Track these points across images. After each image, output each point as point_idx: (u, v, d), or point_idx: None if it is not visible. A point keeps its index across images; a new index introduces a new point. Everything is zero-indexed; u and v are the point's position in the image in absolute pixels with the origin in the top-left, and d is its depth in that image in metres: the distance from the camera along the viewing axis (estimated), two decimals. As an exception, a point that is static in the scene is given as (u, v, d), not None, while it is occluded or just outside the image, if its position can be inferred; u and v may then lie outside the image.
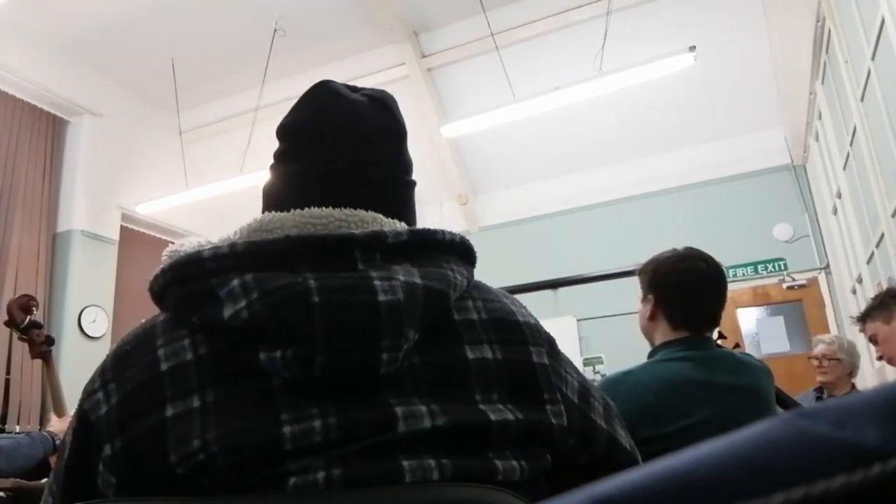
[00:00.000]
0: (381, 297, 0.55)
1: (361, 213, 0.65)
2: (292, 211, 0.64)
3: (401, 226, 0.66)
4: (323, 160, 0.69)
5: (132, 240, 6.12)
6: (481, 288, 0.67)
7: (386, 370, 0.55)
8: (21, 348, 4.86)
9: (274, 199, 0.71)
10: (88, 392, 0.61)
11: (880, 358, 2.37)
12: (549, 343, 0.67)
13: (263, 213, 0.70)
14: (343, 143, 0.70)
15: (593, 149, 5.98)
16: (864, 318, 2.37)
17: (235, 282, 0.55)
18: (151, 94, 6.09)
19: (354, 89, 0.75)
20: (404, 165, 0.74)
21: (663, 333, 1.42)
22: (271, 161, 0.74)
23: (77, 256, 5.33)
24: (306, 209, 0.64)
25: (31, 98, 5.30)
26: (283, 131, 0.74)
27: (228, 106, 6.17)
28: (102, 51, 5.43)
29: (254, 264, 0.56)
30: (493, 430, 0.56)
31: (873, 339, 2.35)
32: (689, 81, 5.11)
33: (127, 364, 0.59)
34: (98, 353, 5.53)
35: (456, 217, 6.59)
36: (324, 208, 0.64)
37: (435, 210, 6.69)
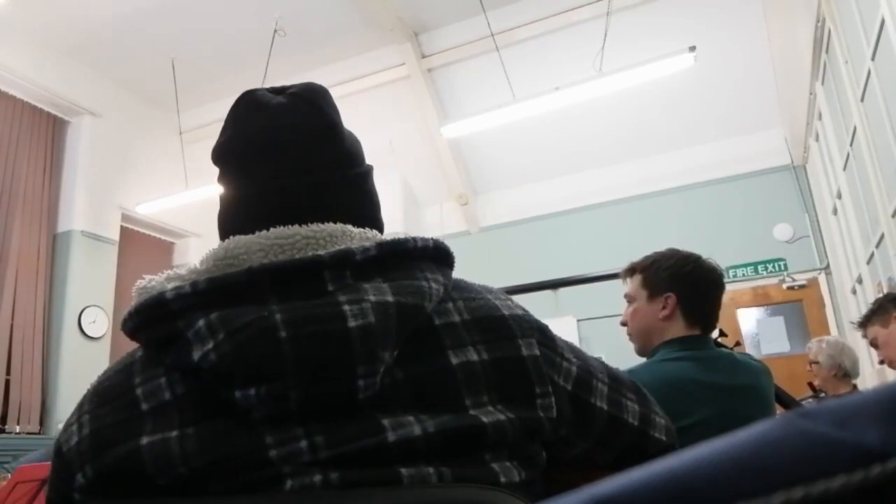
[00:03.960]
0: (352, 323, 0.53)
1: (330, 226, 0.62)
2: (257, 233, 0.62)
3: (372, 234, 0.64)
4: (261, 180, 0.66)
5: (132, 240, 6.12)
6: (462, 287, 0.66)
7: (365, 395, 0.54)
8: (21, 348, 4.86)
9: (223, 227, 0.69)
10: (65, 426, 0.61)
11: (882, 362, 2.38)
12: (539, 331, 0.65)
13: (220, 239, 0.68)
14: (275, 158, 0.67)
15: (593, 149, 5.98)
16: (864, 324, 2.38)
17: (201, 322, 0.54)
18: (151, 94, 6.10)
19: (279, 91, 0.72)
20: (347, 158, 0.70)
21: (675, 332, 1.41)
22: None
23: (77, 256, 5.34)
24: (271, 230, 0.62)
25: (31, 98, 5.30)
26: (216, 155, 0.71)
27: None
28: (102, 51, 5.43)
29: (218, 301, 0.55)
30: (488, 433, 0.55)
31: (874, 344, 2.36)
32: (689, 81, 5.11)
33: (105, 399, 0.59)
34: (98, 354, 5.51)
35: (456, 217, 6.59)
36: (289, 227, 0.62)
37: (435, 210, 6.69)
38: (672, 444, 0.77)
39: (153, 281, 0.61)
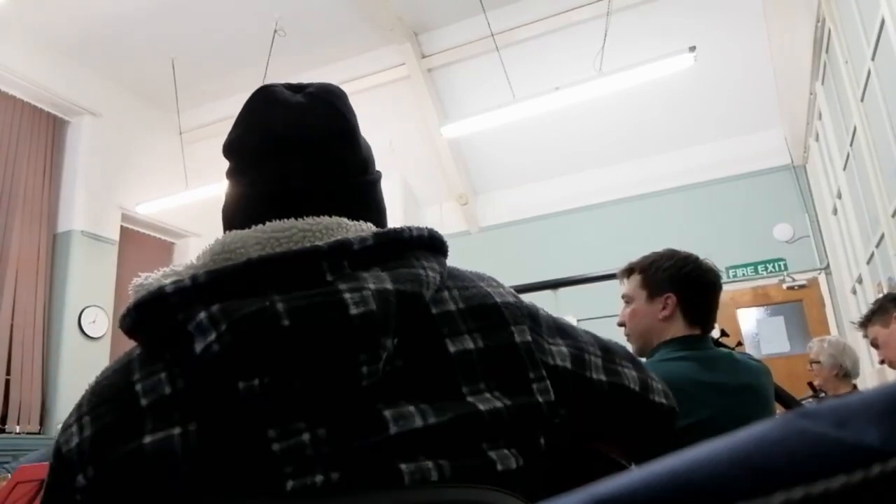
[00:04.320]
0: (353, 311, 0.54)
1: (325, 219, 0.63)
2: (253, 227, 0.62)
3: (367, 227, 0.65)
4: (273, 178, 0.67)
5: (132, 240, 6.12)
6: (455, 275, 0.66)
7: (368, 382, 0.54)
8: (21, 348, 4.86)
9: (229, 221, 0.69)
10: (64, 427, 0.60)
11: (882, 362, 2.38)
12: (530, 317, 0.66)
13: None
14: (291, 158, 0.67)
15: (593, 149, 5.98)
16: (865, 324, 2.38)
17: (202, 314, 0.53)
18: (151, 94, 6.09)
19: (298, 89, 0.71)
20: (360, 164, 0.71)
21: (675, 332, 1.41)
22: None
23: (77, 256, 5.34)
24: (268, 223, 0.62)
25: (31, 98, 5.30)
26: (229, 148, 0.70)
27: (228, 106, 6.17)
28: (102, 51, 5.43)
29: (218, 293, 0.55)
30: (485, 421, 0.55)
31: (874, 344, 2.36)
32: (689, 81, 5.11)
33: (104, 399, 0.58)
34: (98, 354, 5.49)
35: (456, 217, 6.59)
36: (285, 220, 0.62)
37: (435, 210, 6.69)
38: (672, 406, 0.78)
39: (150, 278, 0.61)
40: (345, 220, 0.64)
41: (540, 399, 0.60)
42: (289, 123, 0.68)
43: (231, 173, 0.70)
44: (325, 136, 0.68)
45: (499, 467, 0.55)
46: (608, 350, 0.73)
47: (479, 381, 0.58)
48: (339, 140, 0.69)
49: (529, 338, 0.63)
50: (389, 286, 0.57)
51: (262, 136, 0.68)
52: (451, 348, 0.58)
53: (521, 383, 0.60)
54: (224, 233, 0.68)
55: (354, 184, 0.70)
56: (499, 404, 0.57)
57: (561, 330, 0.70)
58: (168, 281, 0.58)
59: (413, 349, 0.58)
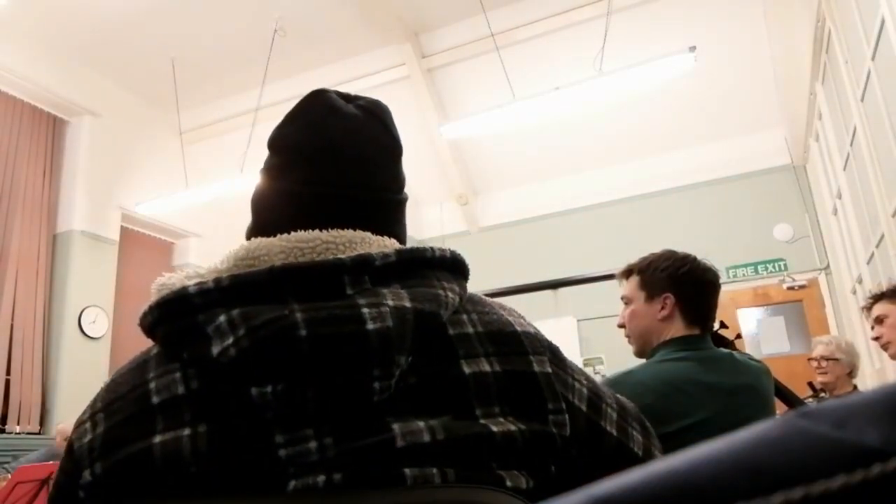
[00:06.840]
0: (370, 326, 0.54)
1: (349, 233, 0.64)
2: (279, 236, 0.63)
3: (391, 242, 0.66)
4: (318, 182, 0.68)
5: (132, 240, 6.12)
6: (476, 301, 0.67)
7: (379, 398, 0.54)
8: (21, 348, 4.86)
9: (265, 216, 0.70)
10: (78, 423, 0.61)
11: (876, 339, 2.41)
12: (551, 351, 0.66)
13: (251, 228, 0.70)
14: (340, 165, 0.68)
15: (593, 149, 5.98)
16: (875, 299, 2.40)
17: (222, 318, 0.54)
18: (151, 94, 6.09)
19: (349, 99, 0.73)
20: (399, 183, 0.73)
21: (674, 332, 1.41)
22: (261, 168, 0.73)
23: (77, 256, 5.34)
24: (293, 233, 0.63)
25: (31, 98, 5.30)
26: (277, 144, 0.72)
27: (228, 106, 6.17)
28: (102, 51, 5.43)
29: (240, 298, 0.56)
30: (497, 442, 0.55)
31: (879, 320, 2.37)
32: (689, 81, 5.11)
33: (118, 396, 0.59)
34: (98, 354, 5.48)
35: (456, 217, 6.59)
36: (311, 231, 0.63)
37: (435, 210, 6.69)
38: None
39: (172, 278, 0.62)
40: (369, 234, 0.65)
41: (554, 430, 0.60)
42: (348, 131, 0.69)
43: (273, 169, 0.71)
44: (377, 150, 0.71)
45: (508, 483, 0.55)
46: (623, 408, 0.73)
47: (493, 404, 0.57)
48: (388, 156, 0.72)
49: (549, 370, 0.63)
50: (407, 304, 0.57)
51: (320, 137, 0.69)
52: (467, 370, 0.58)
53: (537, 411, 0.60)
54: (251, 223, 0.70)
55: (393, 200, 0.72)
56: (513, 428, 0.56)
57: (583, 373, 0.70)
58: (191, 282, 0.59)
59: (428, 368, 0.58)
